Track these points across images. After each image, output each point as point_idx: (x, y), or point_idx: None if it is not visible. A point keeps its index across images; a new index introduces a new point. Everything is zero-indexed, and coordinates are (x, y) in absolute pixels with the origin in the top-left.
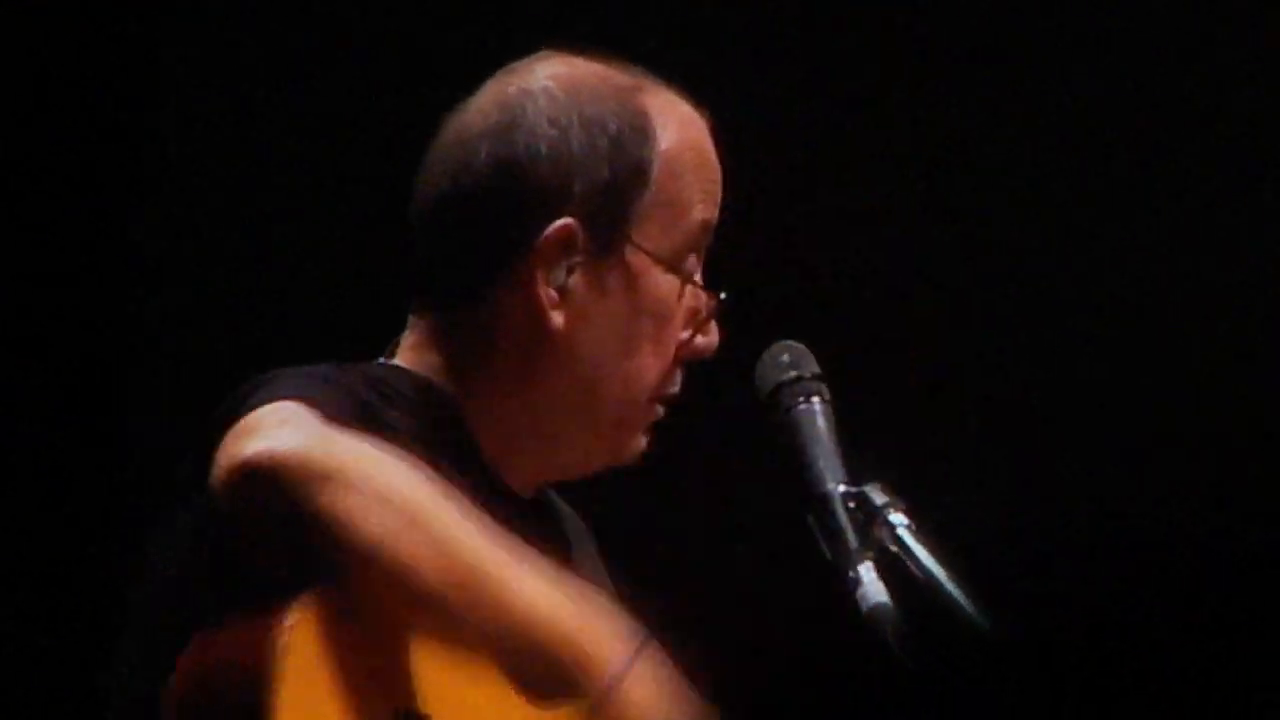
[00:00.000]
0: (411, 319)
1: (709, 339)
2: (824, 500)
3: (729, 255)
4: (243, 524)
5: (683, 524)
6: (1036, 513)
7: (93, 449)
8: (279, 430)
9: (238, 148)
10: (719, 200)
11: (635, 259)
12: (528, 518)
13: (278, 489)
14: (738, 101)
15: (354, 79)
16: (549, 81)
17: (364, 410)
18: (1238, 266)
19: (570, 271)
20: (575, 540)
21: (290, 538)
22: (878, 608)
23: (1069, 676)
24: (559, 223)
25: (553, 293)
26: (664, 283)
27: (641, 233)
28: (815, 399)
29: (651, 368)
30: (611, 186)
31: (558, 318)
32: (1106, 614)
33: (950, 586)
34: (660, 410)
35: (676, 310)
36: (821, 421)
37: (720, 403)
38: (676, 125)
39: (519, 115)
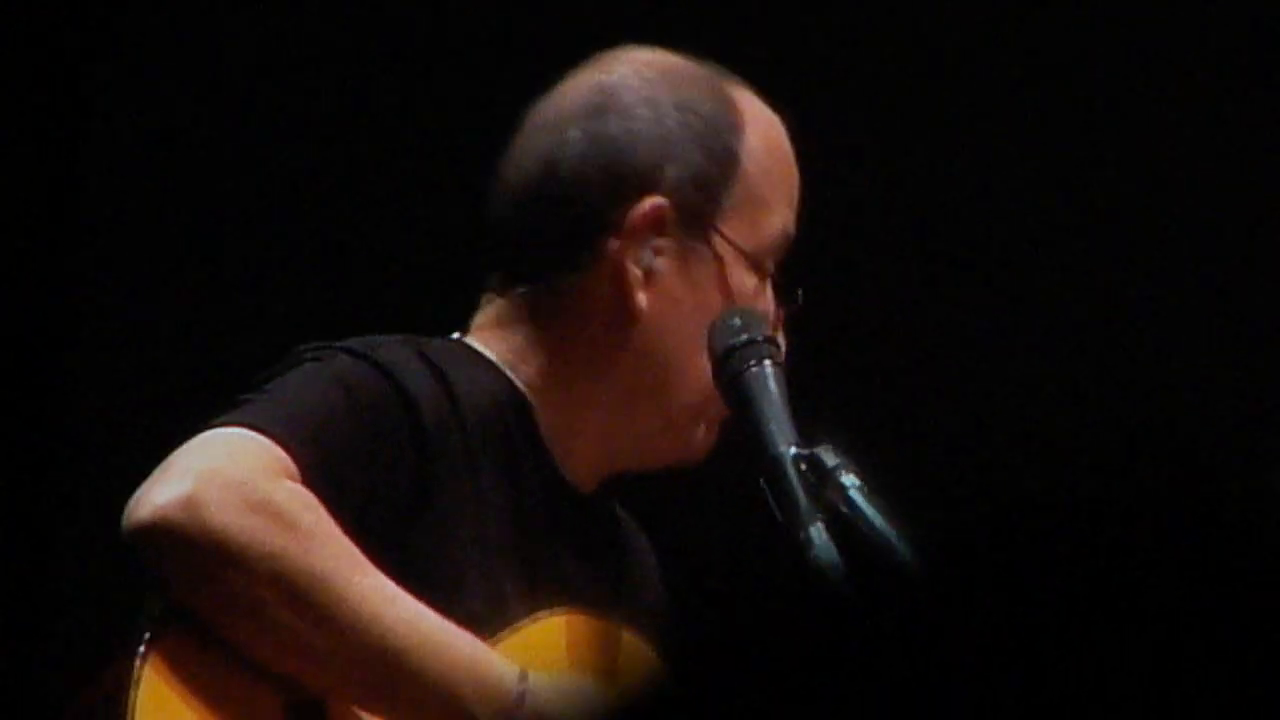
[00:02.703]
0: (487, 297)
1: (782, 340)
2: (775, 462)
3: None
4: (140, 572)
5: (636, 487)
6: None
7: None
8: (187, 481)
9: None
10: (797, 211)
11: (723, 250)
12: (583, 513)
13: (167, 557)
14: None
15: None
16: (640, 67)
17: (435, 382)
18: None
19: (657, 253)
20: (633, 551)
21: (175, 599)
22: (830, 567)
23: (1024, 635)
24: (650, 201)
25: (639, 272)
26: (748, 279)
27: (729, 225)
28: (767, 362)
29: None
30: (703, 171)
31: (643, 298)
32: (1059, 572)
33: (902, 547)
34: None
35: (757, 306)
36: (773, 384)
37: None
38: (763, 123)
39: (611, 97)
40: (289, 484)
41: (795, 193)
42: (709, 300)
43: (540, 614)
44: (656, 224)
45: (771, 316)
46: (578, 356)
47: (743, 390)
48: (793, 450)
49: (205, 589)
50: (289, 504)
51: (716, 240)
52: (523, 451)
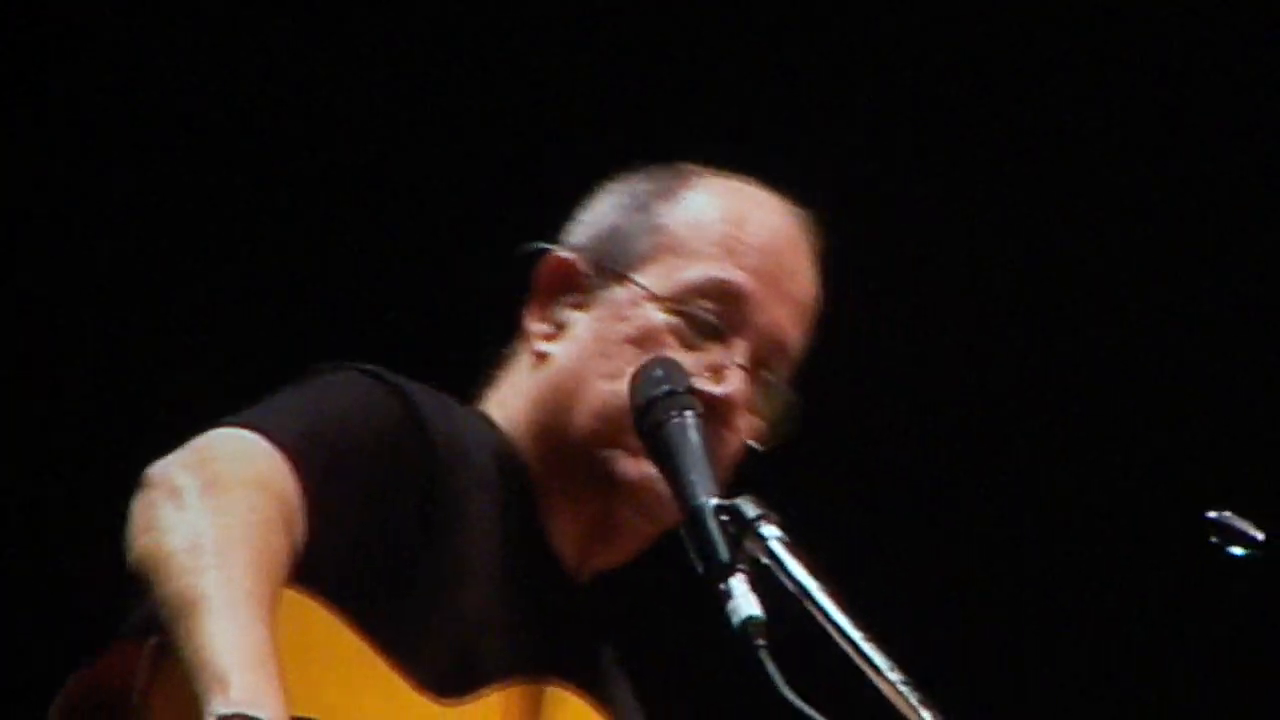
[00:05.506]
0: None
1: (720, 388)
2: (695, 513)
3: None
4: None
5: None
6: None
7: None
8: (183, 453)
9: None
10: (756, 270)
11: (631, 292)
12: (569, 598)
13: (133, 510)
14: None
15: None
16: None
17: (448, 416)
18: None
19: (574, 307)
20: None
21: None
22: (749, 620)
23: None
24: (554, 255)
25: (546, 326)
26: (655, 316)
27: (644, 273)
28: (688, 412)
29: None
30: (617, 230)
31: (549, 345)
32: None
33: (823, 597)
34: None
35: (664, 342)
36: (694, 434)
37: None
38: (715, 192)
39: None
40: (257, 493)
41: (746, 249)
42: (611, 334)
43: (527, 678)
44: (564, 276)
45: (703, 364)
46: (525, 408)
47: (664, 441)
48: (713, 501)
49: (139, 535)
50: (242, 502)
51: (629, 284)
52: (523, 516)
